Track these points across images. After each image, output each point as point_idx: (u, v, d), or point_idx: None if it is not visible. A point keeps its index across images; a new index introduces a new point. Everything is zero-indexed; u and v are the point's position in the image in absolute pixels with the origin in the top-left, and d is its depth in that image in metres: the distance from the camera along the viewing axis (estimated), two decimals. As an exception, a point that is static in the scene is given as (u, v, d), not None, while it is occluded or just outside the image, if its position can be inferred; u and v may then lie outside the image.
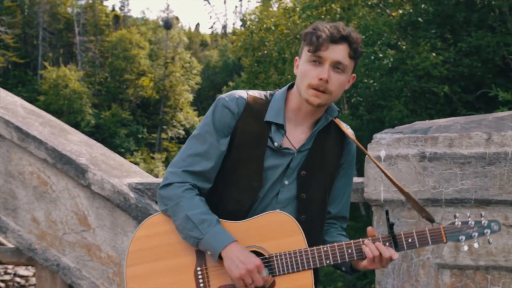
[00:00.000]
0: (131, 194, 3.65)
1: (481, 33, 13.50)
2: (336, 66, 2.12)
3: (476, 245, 2.12)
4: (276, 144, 2.20)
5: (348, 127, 2.40)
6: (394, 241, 2.12)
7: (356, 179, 3.52)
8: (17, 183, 3.89)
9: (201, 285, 2.13)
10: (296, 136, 2.25)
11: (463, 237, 2.12)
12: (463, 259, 2.99)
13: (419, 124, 3.34)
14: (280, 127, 2.23)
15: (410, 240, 2.12)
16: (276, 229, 2.14)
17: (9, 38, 42.93)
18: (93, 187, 3.68)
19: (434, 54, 13.48)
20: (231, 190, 2.23)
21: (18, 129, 3.82)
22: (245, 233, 2.15)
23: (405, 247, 2.13)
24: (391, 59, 14.18)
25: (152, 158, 43.63)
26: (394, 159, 3.08)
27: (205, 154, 2.21)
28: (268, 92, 2.34)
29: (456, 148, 2.99)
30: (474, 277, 3.00)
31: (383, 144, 3.12)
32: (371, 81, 14.21)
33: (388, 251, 2.09)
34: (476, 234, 2.13)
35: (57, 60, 48.30)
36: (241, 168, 2.21)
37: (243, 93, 2.27)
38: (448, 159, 2.98)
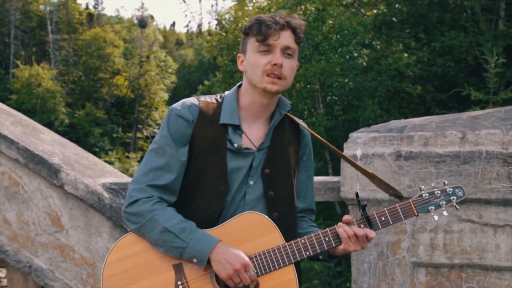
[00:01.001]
0: (105, 194, 3.60)
1: (454, 33, 13.63)
2: (286, 51, 2.15)
3: (445, 213, 2.17)
4: (235, 145, 2.19)
5: (302, 120, 2.41)
6: (368, 221, 2.14)
7: (332, 178, 3.53)
8: (-13, 183, 3.80)
9: None
10: (253, 134, 2.25)
11: (432, 207, 2.16)
12: (438, 258, 3.02)
13: (394, 123, 3.36)
14: (237, 128, 2.22)
15: (383, 218, 2.15)
16: (251, 230, 2.12)
17: (-20, 36, 42.16)
18: (66, 187, 3.62)
19: (406, 54, 13.59)
20: (198, 199, 2.20)
21: (-12, 128, 3.74)
22: (221, 239, 2.11)
23: (380, 226, 2.16)
24: (366, 59, 14.26)
25: (127, 157, 43.23)
26: (370, 158, 3.09)
27: (166, 166, 2.17)
28: (219, 95, 2.32)
29: (431, 147, 3.01)
30: (449, 275, 3.03)
31: (359, 143, 3.12)
32: (346, 80, 14.26)
33: (363, 230, 2.11)
34: (444, 202, 2.17)
35: (29, 58, 47.56)
36: (204, 175, 2.19)
37: (194, 100, 2.26)
38: (423, 158, 3.00)
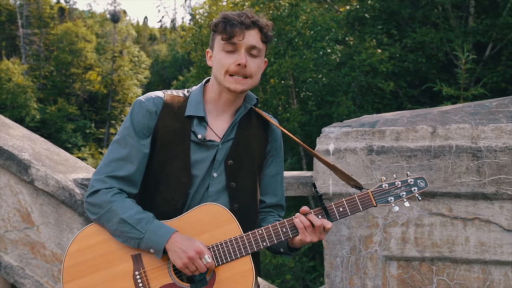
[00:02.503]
0: (77, 190, 3.56)
1: (425, 29, 13.80)
2: (251, 51, 2.16)
3: (406, 204, 2.16)
4: (199, 136, 2.20)
5: (271, 116, 2.42)
6: (326, 212, 2.14)
7: (305, 173, 3.54)
8: (-45, 179, 3.73)
9: None
10: (218, 126, 2.26)
11: (392, 198, 2.15)
12: (410, 251, 3.05)
13: (366, 118, 3.38)
14: (202, 120, 2.23)
15: (341, 209, 2.15)
16: (209, 221, 2.14)
17: None
18: (36, 183, 3.57)
19: (379, 50, 13.71)
20: (161, 190, 2.21)
21: (-44, 123, 3.67)
22: (179, 229, 2.13)
23: (338, 217, 2.15)
24: (339, 54, 14.35)
25: (101, 153, 42.79)
26: (342, 153, 3.11)
27: (127, 157, 2.19)
28: (186, 89, 2.35)
29: (402, 142, 3.04)
30: (420, 268, 3.06)
31: (332, 138, 3.14)
32: (320, 76, 14.33)
33: (320, 220, 2.11)
34: (404, 193, 2.16)
35: (-1, 53, 46.80)
36: (168, 167, 2.21)
37: (159, 93, 2.29)
38: (395, 152, 3.03)
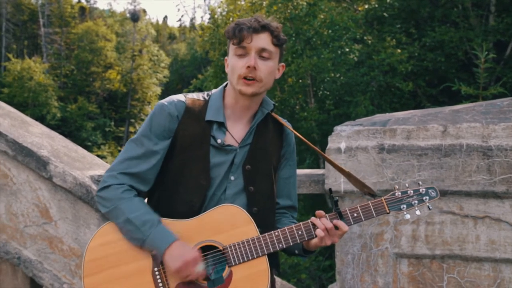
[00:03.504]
0: (94, 187, 3.63)
1: (444, 28, 13.70)
2: (262, 53, 2.20)
3: (418, 212, 2.22)
4: (219, 141, 2.26)
5: (286, 120, 2.47)
6: (340, 216, 2.20)
7: (317, 171, 3.58)
8: (-24, 175, 3.83)
9: (160, 285, 2.16)
10: (236, 132, 2.32)
11: (404, 206, 2.21)
12: (420, 249, 3.08)
13: (378, 117, 3.41)
14: (221, 125, 2.29)
15: (355, 214, 2.21)
16: (227, 221, 2.19)
17: (-29, 29, 41.96)
18: (54, 179, 3.65)
19: (399, 50, 13.64)
20: (180, 191, 2.27)
21: (-23, 121, 3.77)
22: (197, 229, 2.19)
23: (352, 222, 2.21)
24: (357, 54, 14.30)
25: (120, 151, 43.16)
26: (354, 151, 3.14)
27: (141, 156, 2.26)
28: (206, 92, 2.40)
29: (413, 140, 3.06)
30: (431, 266, 3.09)
31: (343, 136, 3.17)
32: (338, 75, 14.31)
33: (335, 222, 2.17)
34: (416, 202, 2.22)
35: (21, 52, 47.41)
36: (187, 169, 2.26)
37: (181, 97, 2.34)
38: (406, 150, 3.05)
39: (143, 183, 2.27)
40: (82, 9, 53.62)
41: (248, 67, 2.18)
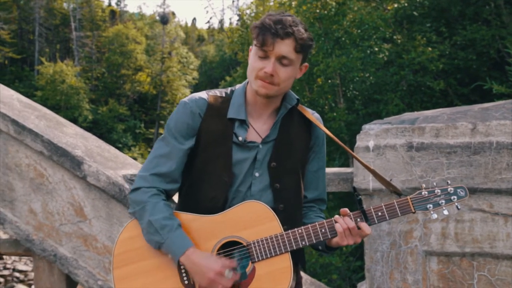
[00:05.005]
0: (126, 185, 3.72)
1: (476, 26, 13.52)
2: (282, 60, 2.19)
3: (445, 212, 2.17)
4: (240, 138, 2.28)
5: (314, 112, 2.46)
6: (364, 215, 2.18)
7: (345, 169, 3.60)
8: (14, 175, 3.95)
9: (185, 278, 2.21)
10: (259, 127, 2.33)
11: (431, 206, 2.17)
12: (450, 246, 3.07)
13: (407, 115, 3.42)
14: (243, 122, 2.31)
15: (380, 213, 2.19)
16: (252, 218, 2.22)
17: (6, 33, 42.87)
18: (88, 178, 3.75)
19: (430, 49, 13.51)
20: (204, 188, 2.31)
21: (14, 122, 3.88)
22: (222, 224, 2.23)
23: (376, 221, 2.19)
24: (387, 53, 14.22)
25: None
26: (382, 149, 3.15)
27: (169, 155, 2.30)
28: (229, 89, 2.41)
29: (442, 138, 3.06)
30: (461, 264, 3.08)
31: (372, 135, 3.19)
32: (367, 75, 14.24)
33: (358, 224, 2.16)
34: (444, 201, 2.17)
35: (53, 55, 48.26)
36: (210, 166, 2.29)
37: (203, 94, 2.35)
38: (434, 148, 3.05)
39: (172, 182, 2.31)
40: (113, 12, 54.34)
41: (266, 72, 2.18)
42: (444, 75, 14.22)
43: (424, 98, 14.58)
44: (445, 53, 13.78)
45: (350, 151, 2.49)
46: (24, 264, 19.74)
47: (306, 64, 2.33)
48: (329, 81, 14.65)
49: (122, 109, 44.71)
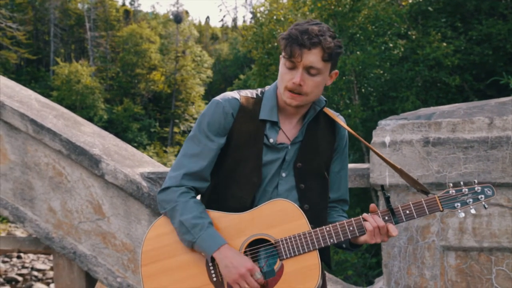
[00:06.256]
0: (144, 183, 3.75)
1: (491, 21, 13.41)
2: (309, 70, 2.20)
3: (472, 211, 2.18)
4: (271, 140, 2.30)
5: (338, 114, 2.47)
6: (392, 213, 2.20)
7: (362, 165, 3.60)
8: (33, 174, 4.00)
9: (213, 275, 2.23)
10: (288, 130, 2.35)
11: (459, 204, 2.19)
12: (468, 241, 3.07)
13: (423, 111, 3.41)
14: (275, 124, 2.32)
15: (408, 211, 2.20)
16: (280, 216, 2.23)
17: (21, 34, 43.24)
18: (106, 177, 3.79)
19: (445, 44, 13.42)
20: (232, 188, 2.32)
21: (33, 121, 3.93)
22: (250, 222, 2.24)
23: (404, 219, 2.21)
24: (402, 49, 14.15)
25: (165, 151, 43.82)
26: (398, 145, 3.16)
27: (199, 154, 2.31)
28: (259, 90, 2.42)
29: (459, 133, 3.06)
30: (479, 259, 3.08)
31: (388, 130, 3.19)
32: (381, 72, 14.19)
33: (387, 225, 2.18)
34: (471, 200, 2.19)
35: (69, 55, 48.61)
36: (240, 166, 2.31)
37: (235, 94, 2.37)
38: (451, 143, 3.05)
39: (202, 181, 2.33)
40: (127, 12, 54.61)
41: (294, 83, 2.20)
42: (460, 71, 14.12)
43: (439, 94, 14.49)
44: (460, 49, 13.69)
45: (375, 150, 2.48)
46: (42, 263, 19.97)
47: (336, 71, 2.33)
48: (344, 77, 14.62)
49: (137, 108, 44.92)
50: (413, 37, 14.61)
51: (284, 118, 2.36)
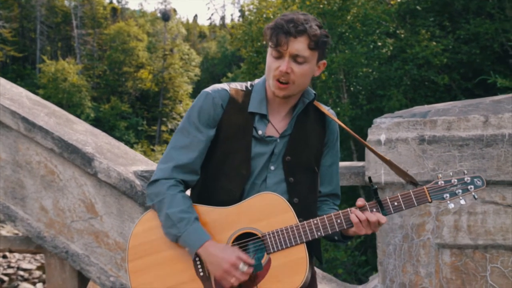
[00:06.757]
0: (137, 182, 3.72)
1: (479, 20, 13.50)
2: (296, 58, 2.19)
3: (462, 201, 2.16)
4: (260, 132, 2.29)
5: (329, 108, 2.46)
6: (380, 205, 2.19)
7: (357, 163, 3.60)
8: (24, 172, 3.96)
9: (200, 270, 2.21)
10: (277, 122, 2.34)
11: (447, 195, 2.16)
12: (462, 239, 3.08)
13: (418, 109, 3.42)
14: (264, 117, 2.32)
15: (396, 203, 2.18)
16: (266, 209, 2.22)
17: (7, 32, 42.90)
18: (99, 175, 3.75)
19: (434, 43, 13.50)
20: (221, 180, 2.31)
21: (24, 119, 3.89)
22: (237, 216, 2.23)
23: (392, 211, 2.19)
24: (390, 48, 14.21)
25: (152, 150, 43.67)
26: (394, 143, 3.16)
27: (189, 146, 2.29)
28: (249, 83, 2.42)
29: (454, 131, 3.07)
30: (473, 256, 3.09)
31: (383, 128, 3.19)
32: (370, 70, 14.25)
33: (375, 216, 2.16)
34: (460, 191, 2.17)
35: (55, 53, 48.31)
36: (229, 159, 2.30)
37: (225, 86, 2.36)
38: (446, 141, 3.06)
39: (191, 174, 2.31)
40: (114, 10, 54.35)
41: (281, 71, 2.20)
42: (448, 70, 14.21)
43: (428, 92, 14.58)
44: (448, 48, 13.77)
45: (366, 143, 2.50)
46: (28, 263, 19.78)
47: (324, 61, 2.33)
48: (333, 76, 14.65)
49: (124, 106, 44.73)
50: (402, 36, 14.67)
51: (273, 110, 2.34)
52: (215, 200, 2.29)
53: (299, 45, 2.17)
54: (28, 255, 20.11)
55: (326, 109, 2.43)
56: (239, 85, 2.39)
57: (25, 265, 19.04)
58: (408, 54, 13.70)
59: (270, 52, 2.24)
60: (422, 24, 14.33)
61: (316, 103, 2.41)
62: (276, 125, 2.33)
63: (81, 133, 4.08)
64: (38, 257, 20.06)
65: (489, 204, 3.03)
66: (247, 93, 2.35)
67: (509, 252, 3.02)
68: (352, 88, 15.28)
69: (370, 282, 3.75)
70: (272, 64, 2.23)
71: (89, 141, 3.98)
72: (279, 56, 2.20)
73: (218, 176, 2.32)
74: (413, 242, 3.18)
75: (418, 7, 14.78)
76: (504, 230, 3.00)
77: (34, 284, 17.34)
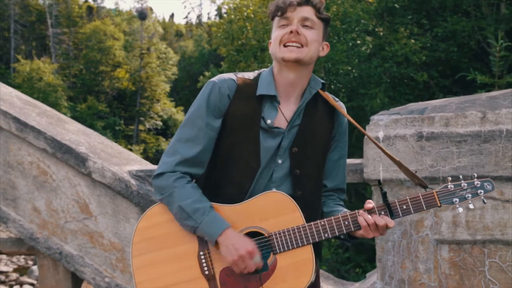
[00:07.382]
0: (132, 181, 3.70)
1: (456, 18, 13.67)
2: (305, 22, 2.21)
3: (471, 206, 2.15)
4: (268, 121, 2.25)
5: (338, 99, 2.43)
6: (389, 209, 2.18)
7: (355, 160, 3.62)
8: (16, 173, 3.90)
9: (205, 268, 2.19)
10: (285, 110, 2.30)
11: (457, 199, 2.15)
12: (461, 234, 3.11)
13: (414, 105, 3.45)
14: (273, 99, 2.28)
15: (404, 206, 2.17)
16: (274, 208, 2.20)
17: (-20, 31, 42.21)
18: (93, 175, 3.72)
19: (413, 41, 13.62)
20: (230, 172, 2.27)
21: (16, 119, 3.84)
22: (244, 215, 2.21)
23: (401, 214, 2.18)
24: (370, 46, 14.30)
25: (130, 150, 43.35)
26: (392, 140, 3.18)
27: (195, 138, 2.25)
28: (256, 72, 2.39)
29: (452, 127, 3.10)
30: (472, 251, 3.13)
31: (381, 125, 3.21)
32: (350, 68, 14.31)
33: (383, 219, 2.14)
34: (470, 195, 2.15)
35: (30, 53, 47.59)
36: (238, 150, 2.26)
37: (232, 76, 2.32)
38: (444, 138, 3.09)
39: (197, 167, 2.27)
40: (90, 8, 53.77)
41: (291, 32, 2.19)
42: (426, 67, 14.35)
43: (406, 90, 14.70)
44: (426, 46, 13.91)
45: (377, 143, 2.46)
46: (5, 265, 19.47)
47: (327, 43, 2.33)
48: (313, 73, 14.68)
49: (101, 106, 44.28)
50: (381, 34, 14.78)
51: (281, 93, 2.30)
52: (224, 193, 2.26)
53: (307, 11, 2.22)
54: (4, 256, 19.80)
55: (335, 101, 2.40)
56: (246, 75, 2.35)
57: (1, 267, 18.74)
58: (387, 52, 13.80)
59: (277, 25, 2.24)
60: (401, 22, 14.45)
61: (325, 94, 2.38)
62: (285, 111, 2.29)
63: (74, 133, 4.04)
64: (14, 259, 19.77)
65: (488, 199, 3.06)
66: (255, 82, 2.31)
67: (507, 246, 3.06)
68: (332, 86, 15.33)
69: (368, 279, 3.78)
70: (279, 33, 2.22)
71: (82, 141, 3.93)
72: (287, 24, 2.21)
73: (226, 168, 2.29)
74: (412, 238, 3.20)
75: (396, 5, 14.89)
76: (502, 225, 3.05)
77: (11, 286, 17.08)
